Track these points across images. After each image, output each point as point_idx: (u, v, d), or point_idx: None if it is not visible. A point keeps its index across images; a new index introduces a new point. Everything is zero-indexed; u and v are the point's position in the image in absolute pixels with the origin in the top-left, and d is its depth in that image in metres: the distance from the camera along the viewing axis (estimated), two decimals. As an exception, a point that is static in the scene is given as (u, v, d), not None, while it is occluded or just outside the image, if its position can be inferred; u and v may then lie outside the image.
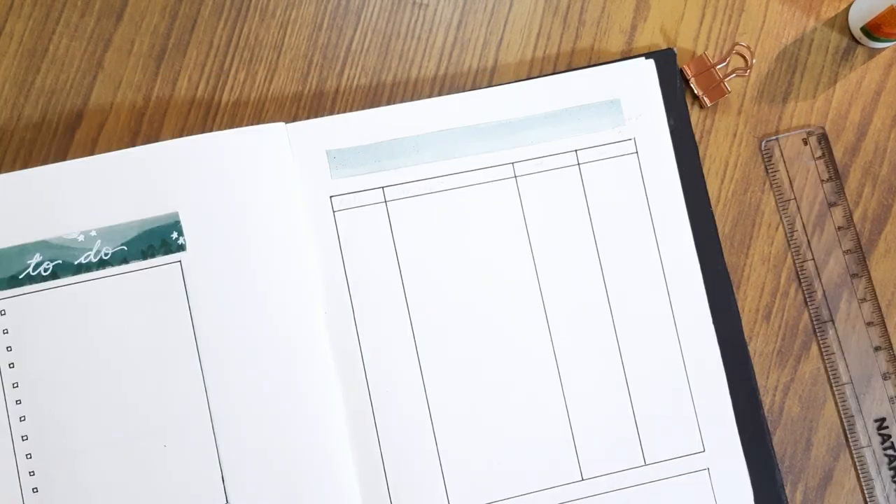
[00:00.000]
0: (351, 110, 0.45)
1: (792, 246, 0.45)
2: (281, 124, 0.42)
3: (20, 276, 0.41)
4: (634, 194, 0.44)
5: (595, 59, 0.46)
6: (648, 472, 0.42)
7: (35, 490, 0.40)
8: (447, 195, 0.43)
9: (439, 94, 0.45)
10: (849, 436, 0.44)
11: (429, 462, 0.42)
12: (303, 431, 0.41)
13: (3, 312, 0.41)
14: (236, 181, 0.42)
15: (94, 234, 0.41)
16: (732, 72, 0.45)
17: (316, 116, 0.45)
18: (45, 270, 0.41)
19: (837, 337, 0.45)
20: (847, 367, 0.44)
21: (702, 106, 0.46)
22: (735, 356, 0.43)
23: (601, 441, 0.42)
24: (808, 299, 0.45)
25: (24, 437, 0.40)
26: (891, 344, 0.45)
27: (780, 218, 0.45)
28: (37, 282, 0.41)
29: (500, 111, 0.44)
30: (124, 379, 0.41)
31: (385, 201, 0.43)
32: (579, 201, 0.44)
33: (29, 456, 0.40)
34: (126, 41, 0.45)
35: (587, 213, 0.43)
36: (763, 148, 0.46)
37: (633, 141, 0.44)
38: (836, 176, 0.45)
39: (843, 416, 0.44)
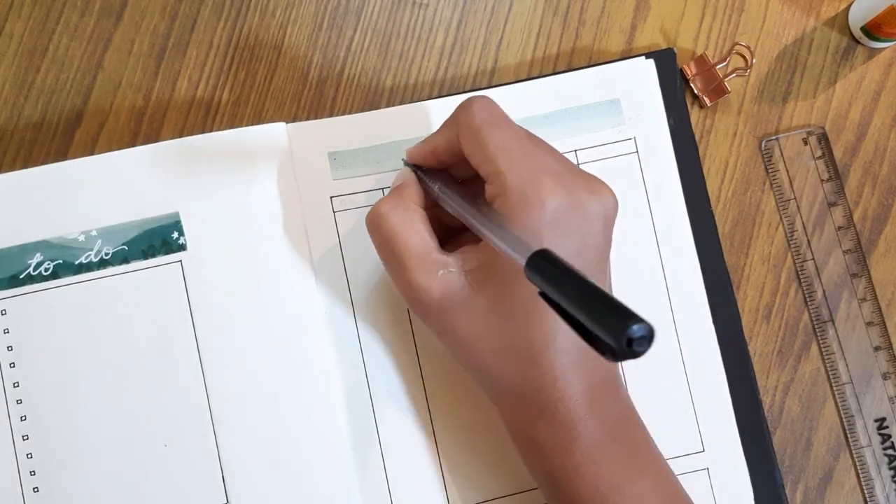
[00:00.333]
0: (351, 110, 0.45)
1: (792, 246, 0.45)
2: (281, 124, 0.42)
3: (21, 276, 0.41)
4: (634, 194, 0.44)
5: (595, 59, 0.46)
6: (648, 471, 0.42)
7: (36, 490, 0.40)
8: (447, 195, 0.43)
9: (439, 94, 0.45)
10: (849, 436, 0.44)
11: (429, 462, 0.42)
12: (303, 431, 0.41)
13: (3, 312, 0.41)
14: (236, 181, 0.42)
15: (94, 233, 0.41)
16: (732, 72, 0.45)
17: (316, 116, 0.45)
18: (46, 270, 0.41)
19: (837, 337, 0.45)
20: (847, 366, 0.44)
21: (702, 106, 0.46)
22: (735, 356, 0.43)
23: (601, 441, 0.42)
24: (808, 299, 0.45)
25: (25, 437, 0.40)
26: (891, 344, 0.45)
27: (780, 218, 0.45)
28: (37, 281, 0.41)
29: (500, 111, 0.44)
30: (125, 379, 0.41)
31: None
32: (579, 201, 0.43)
33: (30, 455, 0.40)
34: (126, 41, 0.45)
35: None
36: (763, 148, 0.46)
37: (633, 140, 0.44)
38: (836, 176, 0.45)
39: (843, 415, 0.44)
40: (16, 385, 0.41)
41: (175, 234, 0.41)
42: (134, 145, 0.44)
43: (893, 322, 0.45)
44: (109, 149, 0.43)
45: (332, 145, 0.43)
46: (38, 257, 0.41)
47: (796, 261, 0.45)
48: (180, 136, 0.44)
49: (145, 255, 0.41)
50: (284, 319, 0.41)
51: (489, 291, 0.35)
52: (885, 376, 0.44)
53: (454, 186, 0.37)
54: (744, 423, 0.43)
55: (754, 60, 0.46)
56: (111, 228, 0.41)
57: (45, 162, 0.44)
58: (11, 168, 0.44)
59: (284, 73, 0.45)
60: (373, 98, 0.45)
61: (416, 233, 0.36)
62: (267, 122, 0.43)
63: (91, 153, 0.44)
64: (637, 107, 0.44)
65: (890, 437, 0.44)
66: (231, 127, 0.44)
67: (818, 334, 0.45)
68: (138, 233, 0.41)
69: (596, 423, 0.35)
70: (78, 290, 0.41)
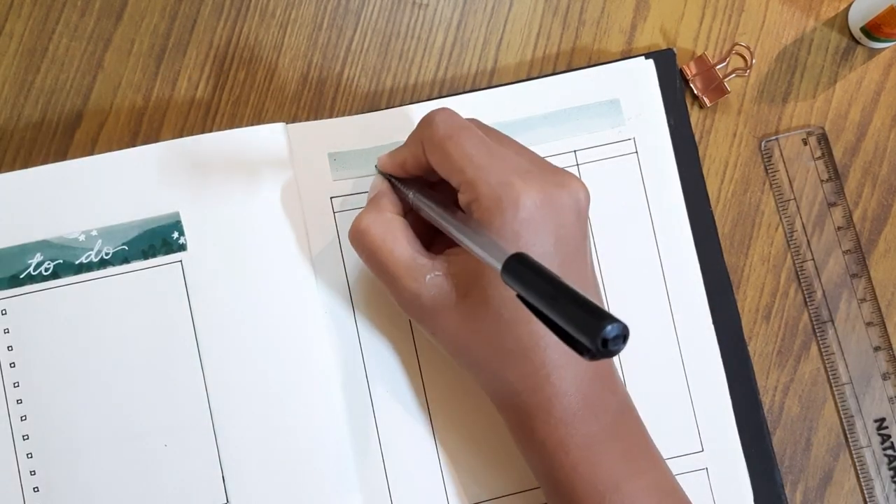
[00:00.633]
0: (351, 110, 0.45)
1: (792, 246, 0.45)
2: (281, 124, 0.42)
3: (21, 276, 0.41)
4: (634, 194, 0.44)
5: (595, 59, 0.46)
6: (648, 471, 0.42)
7: (36, 489, 0.40)
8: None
9: (439, 94, 0.45)
10: (848, 436, 0.44)
11: (429, 461, 0.42)
12: (303, 431, 0.41)
13: (3, 312, 0.41)
14: (236, 181, 0.42)
15: (94, 233, 0.41)
16: (732, 72, 0.45)
17: (316, 116, 0.45)
18: (46, 270, 0.41)
19: (837, 337, 0.45)
20: (847, 367, 0.44)
21: (701, 106, 0.46)
22: (735, 356, 0.43)
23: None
24: (807, 299, 0.45)
25: (25, 437, 0.40)
26: (890, 344, 0.45)
27: (780, 218, 0.45)
28: (38, 281, 0.41)
29: (500, 112, 0.44)
30: (125, 378, 0.41)
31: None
32: (579, 201, 0.43)
33: (30, 455, 0.40)
34: (126, 41, 0.45)
35: (587, 214, 0.43)
36: (763, 148, 0.46)
37: (632, 141, 0.44)
38: (835, 176, 0.45)
39: (842, 416, 0.44)
40: (16, 385, 0.41)
41: (175, 234, 0.41)
42: (134, 145, 0.44)
43: (893, 322, 0.45)
44: (109, 149, 0.43)
45: (332, 146, 0.43)
46: (38, 257, 0.41)
47: (796, 261, 0.45)
48: (180, 136, 0.44)
49: (145, 255, 0.41)
50: (284, 319, 0.41)
51: (476, 292, 0.35)
52: (884, 376, 0.44)
53: (428, 193, 0.38)
54: (743, 423, 0.43)
55: (754, 61, 0.46)
56: (111, 228, 0.41)
57: (44, 162, 0.44)
58: (11, 168, 0.44)
59: (284, 73, 0.45)
60: (373, 98, 0.45)
61: (398, 242, 0.37)
62: (267, 123, 0.43)
63: (91, 153, 0.44)
64: (637, 107, 0.44)
65: (890, 437, 0.44)
66: (231, 127, 0.44)
67: (818, 334, 0.45)
68: (138, 233, 0.41)
69: (592, 418, 0.35)
70: (78, 290, 0.41)
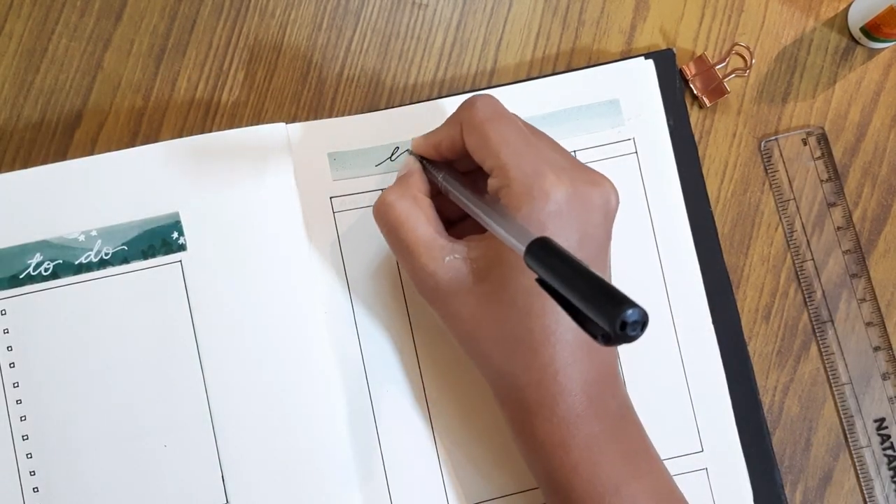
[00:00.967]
0: (350, 110, 0.45)
1: (791, 246, 0.45)
2: (281, 124, 0.42)
3: (21, 276, 0.41)
4: (634, 194, 0.44)
5: (594, 60, 0.46)
6: (648, 471, 0.42)
7: (36, 490, 0.40)
8: (447, 195, 0.43)
9: (439, 95, 0.45)
10: (848, 436, 0.44)
11: (428, 462, 0.42)
12: (303, 431, 0.41)
13: (3, 312, 0.41)
14: (236, 181, 0.42)
15: (94, 233, 0.41)
16: (732, 72, 0.45)
17: (315, 116, 0.45)
18: (46, 270, 0.41)
19: (837, 337, 0.45)
20: (846, 367, 0.44)
21: (701, 106, 0.46)
22: (735, 356, 0.43)
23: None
24: (807, 299, 0.45)
25: (25, 437, 0.40)
26: (890, 344, 0.45)
27: (780, 218, 0.45)
28: (37, 281, 0.41)
29: (500, 111, 0.44)
30: (125, 379, 0.41)
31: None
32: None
33: (29, 455, 0.40)
34: (125, 41, 0.45)
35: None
36: (762, 148, 0.46)
37: (632, 141, 0.44)
38: (835, 176, 0.45)
39: (842, 416, 0.44)
40: (16, 385, 0.41)
41: (175, 234, 0.41)
42: (134, 145, 0.44)
43: (893, 322, 0.45)
44: (109, 149, 0.43)
45: (331, 145, 0.43)
46: (37, 257, 0.41)
47: (796, 261, 0.45)
48: (180, 136, 0.44)
49: (145, 255, 0.41)
50: (284, 319, 0.41)
51: (493, 280, 0.35)
52: (884, 376, 0.44)
53: (457, 176, 0.38)
54: (743, 423, 0.43)
55: (754, 61, 0.46)
56: (111, 228, 0.41)
57: (44, 162, 0.44)
58: (11, 168, 0.44)
59: (284, 73, 0.45)
60: (372, 98, 0.45)
61: (422, 221, 0.37)
62: (266, 122, 0.43)
63: (90, 153, 0.44)
64: (636, 107, 0.44)
65: (889, 437, 0.44)
66: (231, 127, 0.44)
67: (818, 335, 0.45)
68: (138, 233, 0.41)
69: (594, 419, 0.35)
70: (78, 290, 0.41)
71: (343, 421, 0.41)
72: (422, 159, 0.40)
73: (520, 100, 0.44)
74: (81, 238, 0.41)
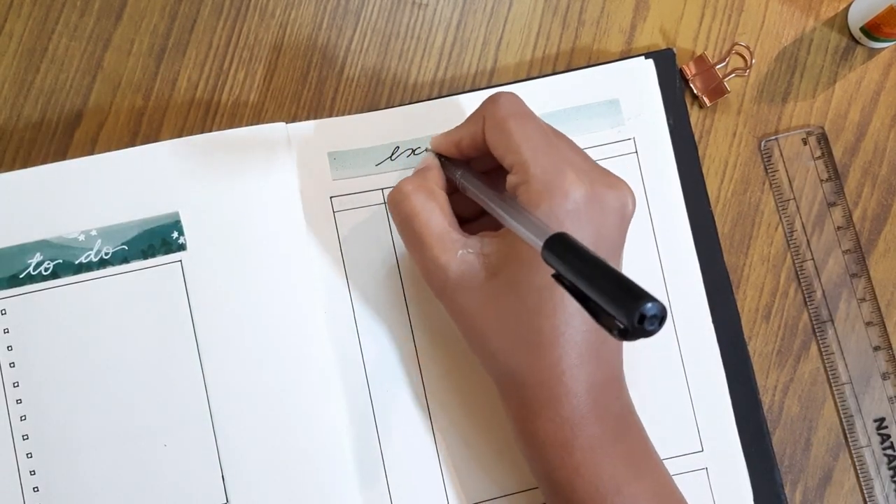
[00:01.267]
0: (350, 110, 0.45)
1: (791, 246, 0.45)
2: (281, 124, 0.42)
3: (20, 276, 0.41)
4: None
5: (594, 59, 0.46)
6: (648, 471, 0.42)
7: (36, 489, 0.40)
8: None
9: (439, 94, 0.45)
10: (848, 436, 0.44)
11: (429, 462, 0.42)
12: (303, 431, 0.41)
13: (3, 312, 0.41)
14: (236, 181, 0.42)
15: (94, 233, 0.41)
16: (732, 72, 0.45)
17: (315, 116, 0.45)
18: (46, 270, 0.41)
19: (837, 337, 0.45)
20: (846, 366, 0.44)
21: (701, 106, 0.46)
22: (734, 356, 0.43)
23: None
24: (807, 299, 0.45)
25: (25, 437, 0.40)
26: (890, 344, 0.45)
27: (780, 218, 0.45)
28: (37, 281, 0.41)
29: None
30: (125, 378, 0.41)
31: (385, 203, 0.43)
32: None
33: (30, 455, 0.40)
34: (126, 41, 0.45)
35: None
36: (762, 148, 0.46)
37: (632, 141, 0.44)
38: (835, 176, 0.45)
39: (842, 415, 0.44)
40: (16, 385, 0.41)
41: (175, 234, 0.41)
42: (133, 145, 0.44)
43: (893, 322, 0.45)
44: (109, 149, 0.43)
45: (332, 145, 0.43)
46: (37, 257, 0.41)
47: (796, 261, 0.45)
48: (180, 135, 0.44)
49: (145, 254, 0.41)
50: (284, 319, 0.41)
51: (504, 277, 0.35)
52: (884, 376, 0.44)
53: (475, 173, 0.38)
54: (743, 422, 0.43)
55: (754, 60, 0.46)
56: (111, 228, 0.41)
57: (44, 162, 0.44)
58: (11, 168, 0.44)
59: (284, 72, 0.45)
60: (372, 98, 0.45)
61: (437, 213, 0.37)
62: (267, 122, 0.43)
63: (90, 153, 0.44)
64: (636, 107, 0.44)
65: (889, 436, 0.44)
66: (231, 127, 0.44)
67: (817, 334, 0.45)
68: (138, 232, 0.41)
69: (597, 421, 0.35)
70: (78, 290, 0.41)
71: (343, 421, 0.41)
72: (440, 157, 0.40)
73: (520, 99, 0.44)
74: (81, 238, 0.41)
